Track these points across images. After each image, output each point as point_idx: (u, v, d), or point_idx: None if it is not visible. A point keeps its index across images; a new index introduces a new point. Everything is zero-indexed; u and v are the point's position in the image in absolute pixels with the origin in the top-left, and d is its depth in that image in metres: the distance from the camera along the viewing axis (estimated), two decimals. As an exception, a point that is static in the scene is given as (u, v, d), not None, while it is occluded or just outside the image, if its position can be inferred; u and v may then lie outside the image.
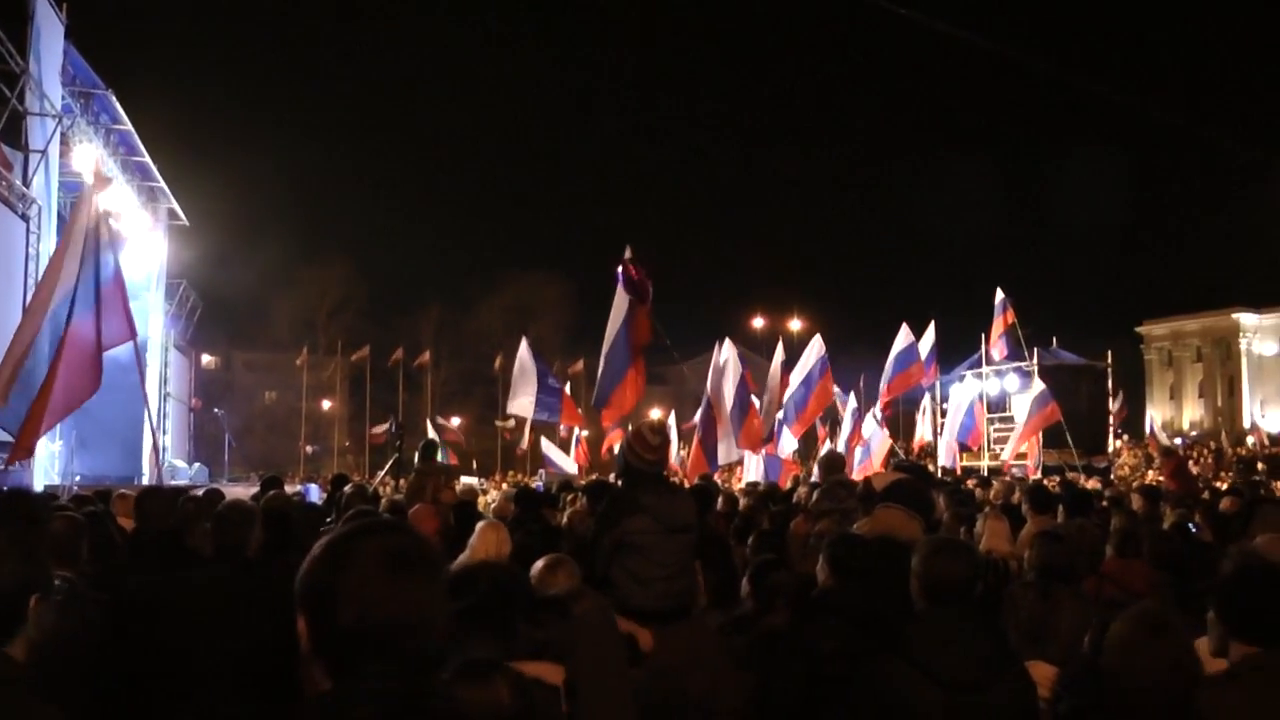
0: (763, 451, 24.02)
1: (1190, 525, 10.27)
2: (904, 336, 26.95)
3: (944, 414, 35.19)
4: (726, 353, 22.55)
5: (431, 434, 30.71)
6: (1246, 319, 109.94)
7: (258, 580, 5.94)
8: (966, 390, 36.18)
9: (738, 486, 22.09)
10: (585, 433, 37.28)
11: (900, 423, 36.87)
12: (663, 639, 6.22)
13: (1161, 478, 21.77)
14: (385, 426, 54.91)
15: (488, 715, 3.70)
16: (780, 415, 24.77)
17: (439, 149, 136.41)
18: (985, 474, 29.52)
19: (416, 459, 15.07)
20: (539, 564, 6.12)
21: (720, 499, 12.81)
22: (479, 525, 8.32)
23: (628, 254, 16.61)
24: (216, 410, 42.15)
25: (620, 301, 16.74)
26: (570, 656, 4.63)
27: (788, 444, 25.74)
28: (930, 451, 38.46)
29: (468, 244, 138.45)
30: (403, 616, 2.42)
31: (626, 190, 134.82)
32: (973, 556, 5.08)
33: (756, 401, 23.02)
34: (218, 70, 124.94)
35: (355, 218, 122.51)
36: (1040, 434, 28.84)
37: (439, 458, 16.64)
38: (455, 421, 55.08)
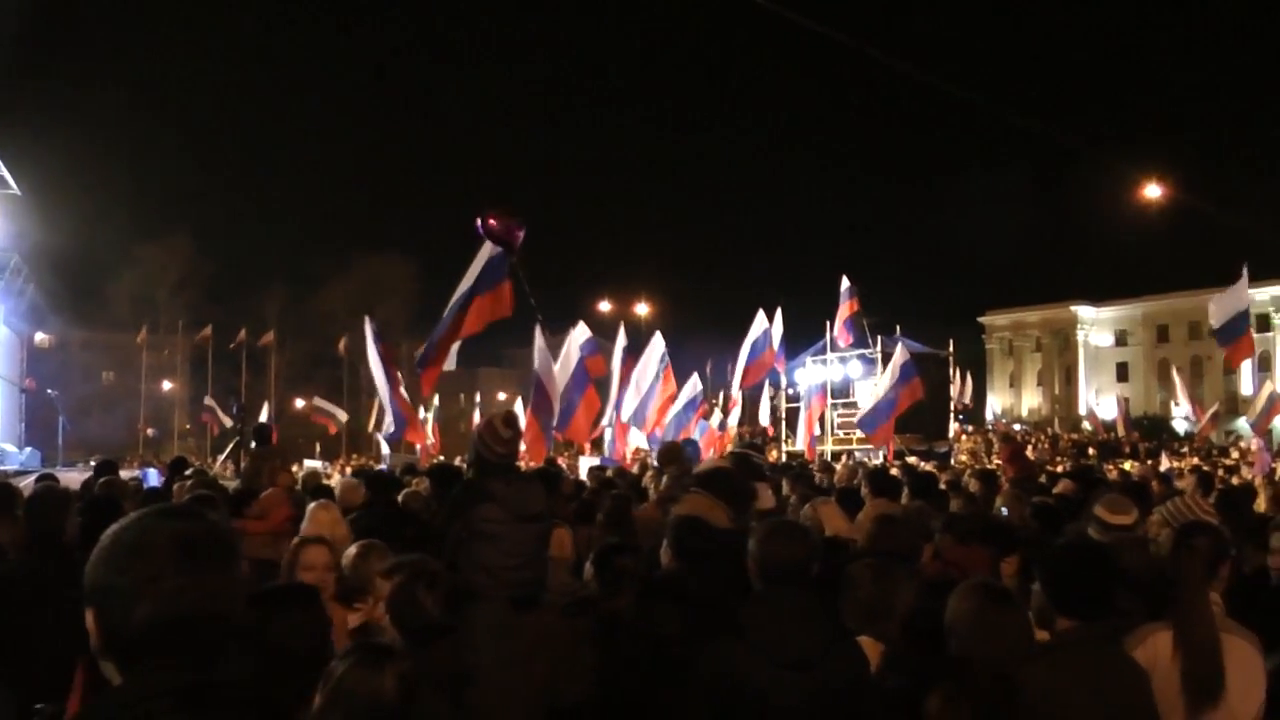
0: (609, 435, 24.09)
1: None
2: (758, 323, 27.03)
3: (790, 400, 35.47)
4: (578, 336, 22.52)
5: (263, 418, 30.17)
6: (1084, 312, 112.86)
7: (75, 569, 5.78)
8: (811, 376, 36.53)
9: (584, 464, 22.11)
10: (429, 416, 36.96)
11: (746, 408, 36.99)
12: (510, 627, 6.17)
13: (999, 462, 22.10)
14: (206, 407, 53.96)
15: (371, 702, 3.63)
16: (624, 411, 24.73)
17: (284, 127, 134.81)
18: (829, 458, 29.83)
19: (252, 443, 14.81)
20: (351, 550, 6.05)
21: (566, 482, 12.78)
22: (310, 506, 8.19)
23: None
24: (50, 391, 41.09)
25: (484, 252, 16.17)
26: (467, 650, 4.58)
27: (637, 440, 25.78)
28: (775, 437, 38.78)
29: (314, 223, 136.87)
30: (196, 607, 2.31)
31: (476, 171, 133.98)
32: (808, 538, 5.13)
33: (585, 391, 23.03)
34: (52, 39, 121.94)
35: (198, 194, 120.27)
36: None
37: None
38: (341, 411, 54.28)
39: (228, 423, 43.61)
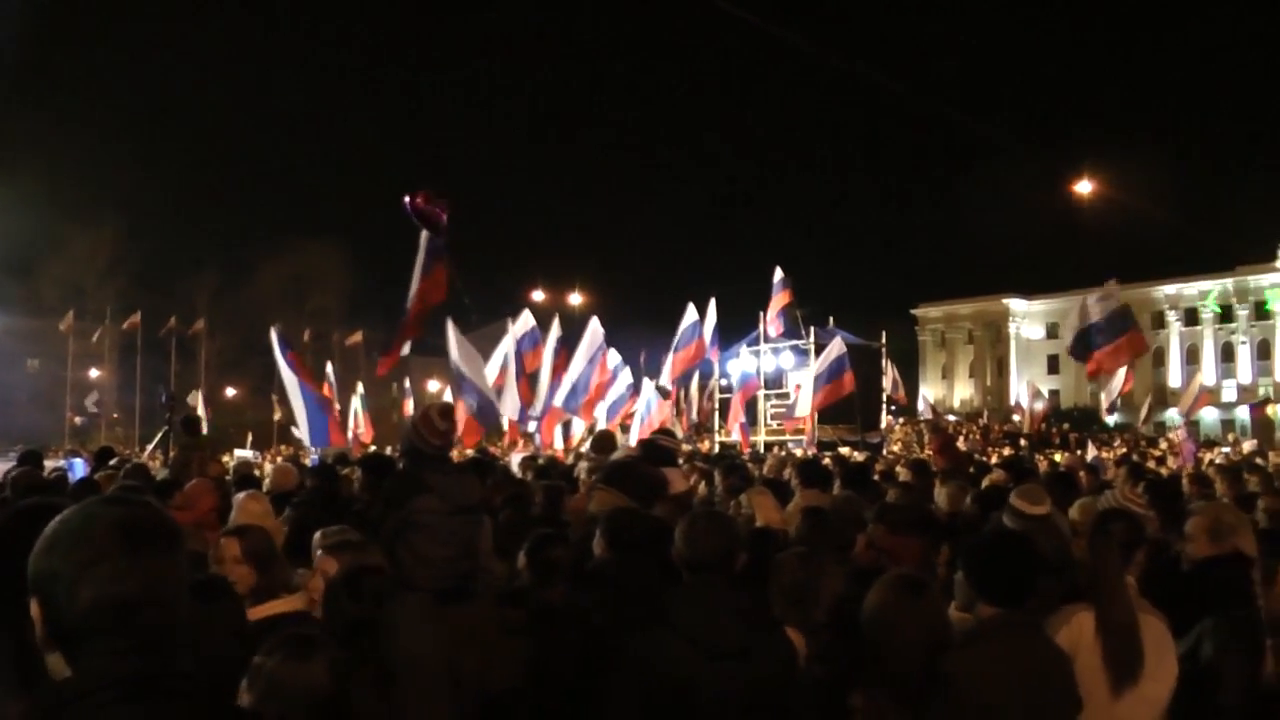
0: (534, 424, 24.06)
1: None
2: (689, 314, 27.04)
3: (723, 390, 35.52)
4: (520, 328, 22.52)
5: (195, 405, 29.78)
6: (1016, 304, 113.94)
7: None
8: (743, 365, 36.58)
9: (515, 458, 22.01)
10: (359, 405, 36.73)
11: (680, 398, 37.05)
12: (444, 617, 6.16)
13: (930, 452, 22.23)
14: (91, 398, 52.99)
15: (306, 692, 3.60)
16: (557, 398, 24.70)
17: (215, 113, 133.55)
18: (761, 449, 29.91)
19: (180, 433, 14.66)
20: (317, 536, 6.02)
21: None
22: (238, 497, 8.12)
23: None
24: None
25: (422, 238, 16.10)
26: (391, 644, 4.55)
27: (578, 428, 25.78)
28: (708, 427, 38.83)
29: (246, 210, 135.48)
30: (139, 591, 2.30)
31: (410, 159, 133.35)
32: (734, 528, 5.14)
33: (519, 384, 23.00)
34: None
35: (127, 178, 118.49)
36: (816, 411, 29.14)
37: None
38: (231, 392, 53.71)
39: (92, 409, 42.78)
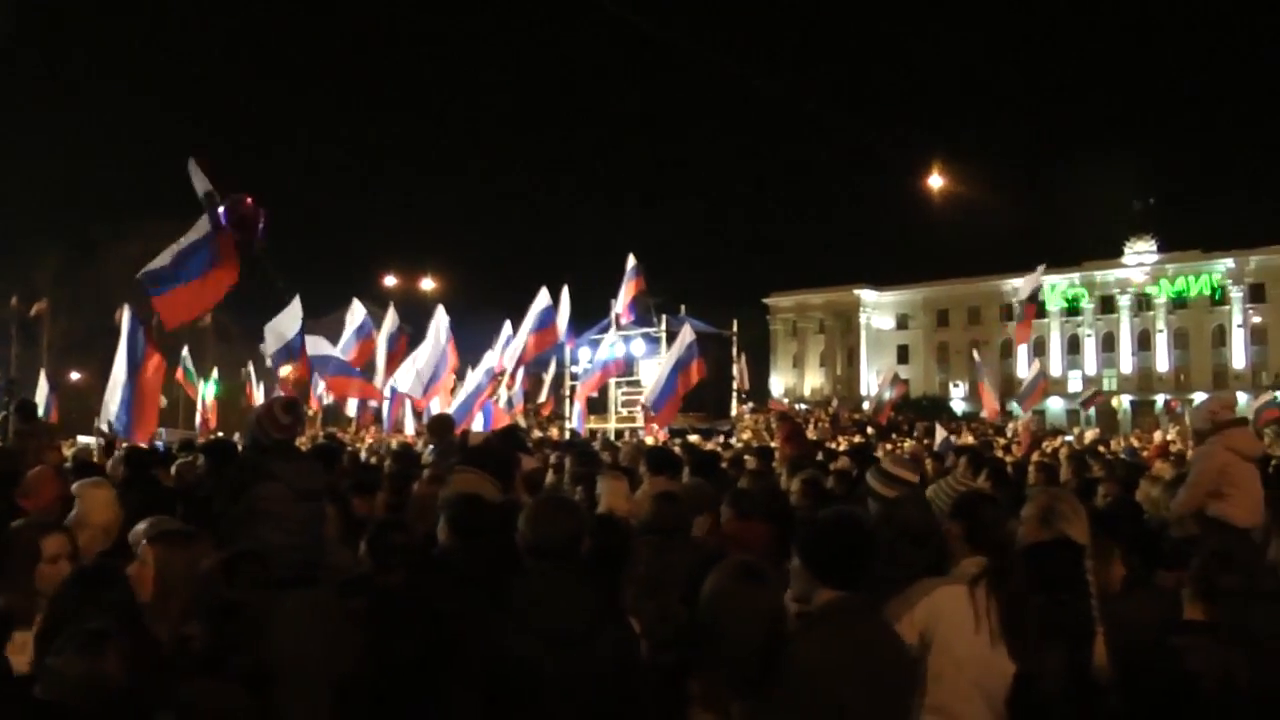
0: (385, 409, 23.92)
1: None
2: (541, 299, 26.95)
3: (574, 377, 35.47)
4: (353, 319, 22.35)
5: (40, 392, 28.91)
6: (867, 295, 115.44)
7: None
8: (594, 352, 36.55)
9: (365, 445, 21.85)
10: (214, 390, 36.20)
11: (533, 386, 36.97)
12: (294, 603, 6.07)
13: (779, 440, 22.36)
14: None
15: (90, 687, 3.51)
16: (401, 383, 24.56)
17: (60, 88, 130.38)
18: (612, 436, 29.90)
19: (13, 419, 14.26)
20: (141, 525, 5.89)
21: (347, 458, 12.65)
22: (82, 485, 7.92)
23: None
24: None
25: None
26: (270, 642, 4.49)
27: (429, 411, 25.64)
28: (559, 415, 38.76)
29: (91, 187, 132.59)
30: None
31: (261, 137, 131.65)
32: (578, 514, 5.13)
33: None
34: None
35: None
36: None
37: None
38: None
39: None
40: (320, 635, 5.58)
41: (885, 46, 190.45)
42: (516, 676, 4.48)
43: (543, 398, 39.10)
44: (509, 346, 27.65)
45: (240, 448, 9.70)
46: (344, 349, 23.29)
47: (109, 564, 5.46)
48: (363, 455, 17.56)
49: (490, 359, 26.13)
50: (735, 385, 41.74)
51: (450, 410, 21.81)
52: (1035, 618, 5.08)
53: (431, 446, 12.42)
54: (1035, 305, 23.92)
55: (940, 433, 21.06)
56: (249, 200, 14.91)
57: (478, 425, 23.11)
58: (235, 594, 4.61)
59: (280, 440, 7.36)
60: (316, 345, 21.64)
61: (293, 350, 21.37)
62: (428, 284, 60.24)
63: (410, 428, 28.94)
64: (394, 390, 24.75)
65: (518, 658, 4.49)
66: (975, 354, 35.71)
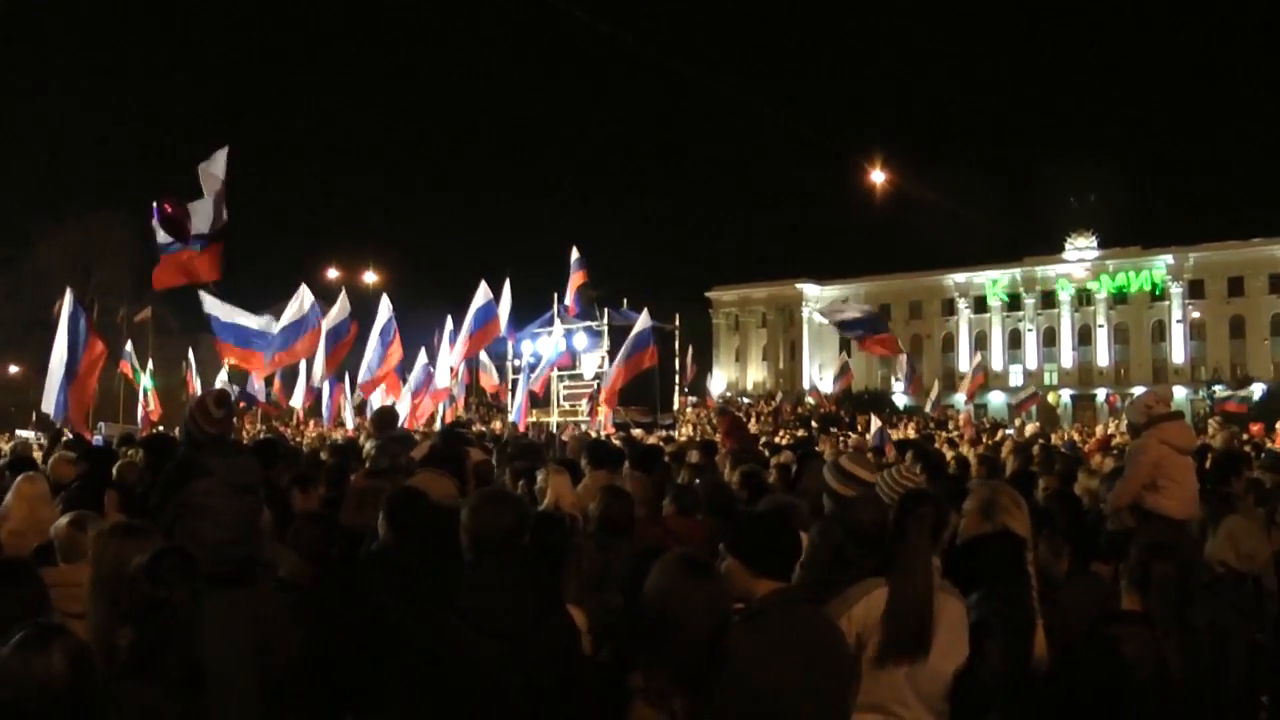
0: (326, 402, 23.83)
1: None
2: (482, 293, 26.88)
3: (516, 370, 35.40)
4: (304, 301, 22.23)
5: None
6: (809, 289, 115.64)
7: None
8: (538, 347, 36.52)
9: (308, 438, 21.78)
10: (154, 383, 35.90)
11: (476, 378, 36.85)
12: (224, 602, 6.04)
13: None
14: None
15: (39, 684, 3.47)
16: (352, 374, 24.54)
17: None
18: (555, 429, 29.89)
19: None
20: (62, 520, 5.85)
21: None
22: (16, 481, 7.85)
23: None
24: None
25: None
26: (200, 642, 4.45)
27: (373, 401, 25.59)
28: (502, 408, 38.69)
29: (27, 177, 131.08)
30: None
31: (200, 126, 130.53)
32: (519, 508, 5.12)
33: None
34: None
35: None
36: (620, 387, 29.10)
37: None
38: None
39: None
40: (251, 634, 5.56)
41: (828, 41, 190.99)
42: (455, 670, 4.47)
43: (494, 385, 38.90)
44: (452, 342, 27.59)
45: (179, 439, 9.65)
46: (286, 337, 23.11)
47: (20, 559, 5.40)
48: (305, 450, 17.49)
49: (429, 354, 26.10)
50: (678, 379, 41.84)
51: (391, 403, 21.81)
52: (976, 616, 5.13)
53: (372, 441, 12.39)
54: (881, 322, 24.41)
55: (875, 423, 21.10)
56: (171, 207, 14.77)
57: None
58: (162, 592, 4.55)
59: (213, 435, 7.30)
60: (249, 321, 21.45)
61: (241, 337, 21.20)
62: (370, 277, 60.04)
63: (351, 422, 28.86)
64: (333, 381, 24.67)
65: (456, 651, 4.47)
66: (845, 359, 35.68)
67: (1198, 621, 6.28)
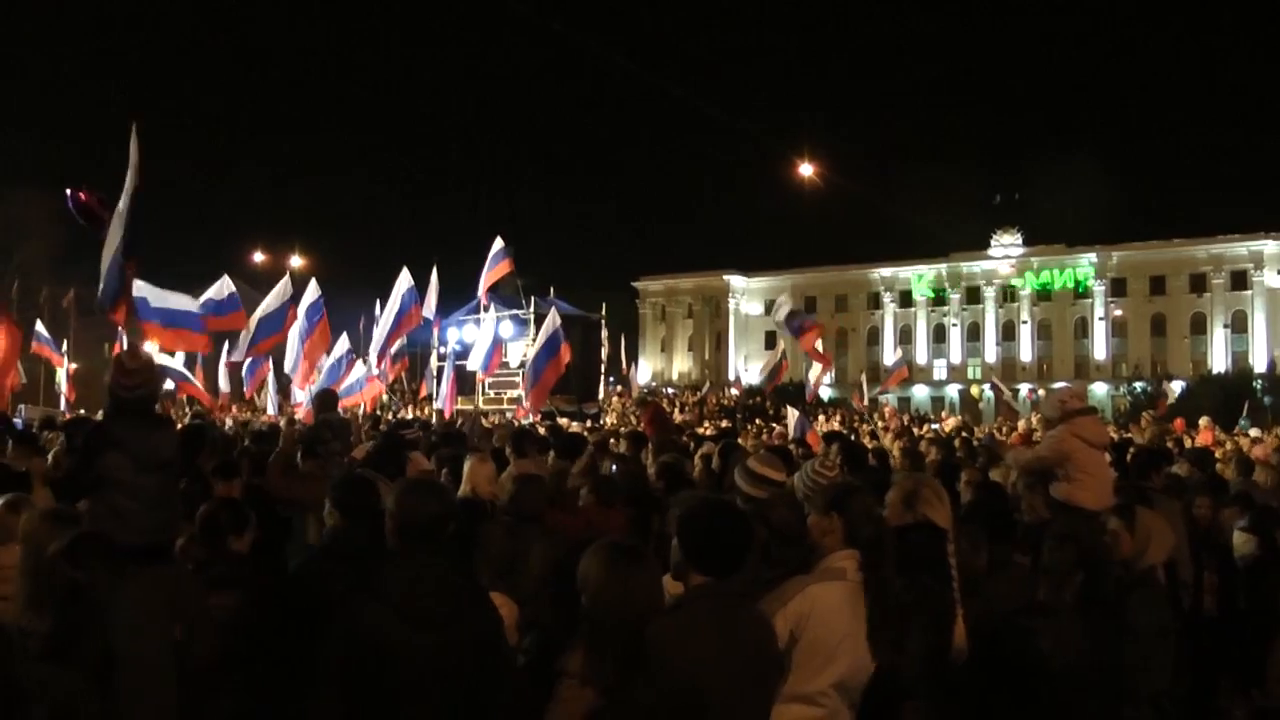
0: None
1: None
2: (403, 281, 26.74)
3: (442, 358, 35.24)
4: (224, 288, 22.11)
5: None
6: (736, 281, 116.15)
7: None
8: (467, 334, 36.40)
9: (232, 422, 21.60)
10: (74, 365, 35.49)
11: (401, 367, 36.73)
12: (144, 585, 5.97)
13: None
14: None
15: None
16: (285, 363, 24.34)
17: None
18: (480, 417, 29.80)
19: None
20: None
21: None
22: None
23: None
24: None
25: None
26: (117, 626, 4.39)
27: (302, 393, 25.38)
28: (427, 396, 38.54)
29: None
30: None
31: (128, 104, 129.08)
32: (444, 496, 5.10)
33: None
34: None
35: None
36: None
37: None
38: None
39: None
40: (170, 617, 5.51)
41: (759, 34, 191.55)
42: (378, 658, 4.45)
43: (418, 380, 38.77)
44: (376, 328, 27.46)
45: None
46: (211, 310, 22.83)
47: None
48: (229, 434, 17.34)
49: (351, 342, 25.94)
50: (603, 368, 41.84)
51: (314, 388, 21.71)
52: (898, 605, 5.15)
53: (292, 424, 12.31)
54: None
55: (793, 413, 21.08)
56: (86, 195, 14.52)
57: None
58: (80, 576, 4.51)
59: (133, 388, 7.21)
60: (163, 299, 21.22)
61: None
62: (296, 261, 59.55)
63: (272, 407, 28.61)
64: (258, 361, 24.49)
65: (380, 639, 4.46)
66: (818, 343, 36.30)
67: (1111, 611, 6.36)
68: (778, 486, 6.94)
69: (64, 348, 34.54)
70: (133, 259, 14.55)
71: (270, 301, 24.16)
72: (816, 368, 26.94)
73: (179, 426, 11.11)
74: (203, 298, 22.23)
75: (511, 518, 7.17)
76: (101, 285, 15.21)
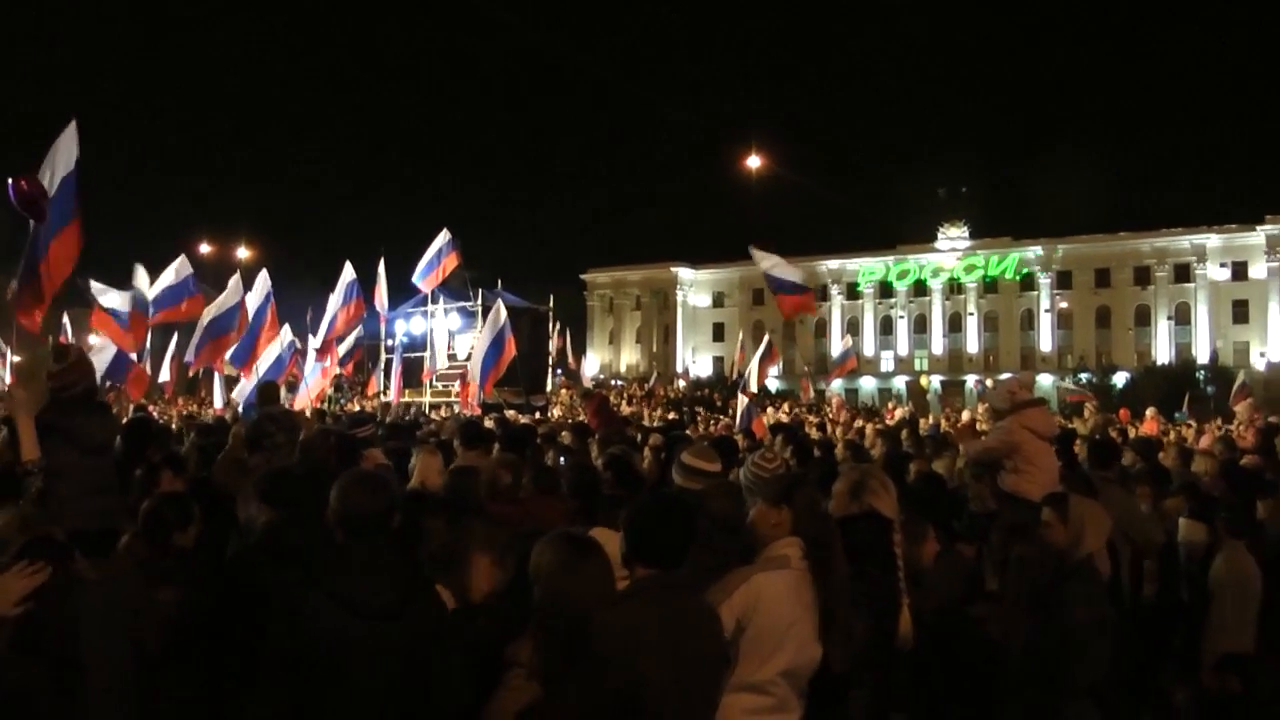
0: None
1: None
2: (347, 273, 26.62)
3: (389, 350, 35.11)
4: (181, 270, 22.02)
5: None
6: (684, 273, 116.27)
7: None
8: (415, 326, 36.33)
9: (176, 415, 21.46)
10: (17, 358, 35.08)
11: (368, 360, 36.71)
12: (102, 581, 5.96)
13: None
14: None
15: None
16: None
17: None
18: (427, 409, 29.75)
19: None
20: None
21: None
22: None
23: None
24: None
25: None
26: (74, 620, 4.39)
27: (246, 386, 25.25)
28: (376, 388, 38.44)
29: None
30: None
31: (67, 92, 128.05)
32: (388, 489, 5.07)
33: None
34: None
35: None
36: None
37: None
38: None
39: None
40: (124, 611, 5.48)
41: (707, 25, 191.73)
42: (325, 650, 4.44)
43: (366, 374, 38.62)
44: (321, 321, 27.31)
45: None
46: (166, 299, 22.63)
47: None
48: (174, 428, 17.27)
49: (289, 334, 25.78)
50: (551, 360, 41.82)
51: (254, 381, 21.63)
52: (844, 594, 5.19)
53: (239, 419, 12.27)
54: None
55: (743, 401, 21.06)
56: (27, 184, 14.33)
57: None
58: (40, 575, 4.51)
59: (60, 389, 7.25)
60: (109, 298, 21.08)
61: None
62: (243, 253, 59.16)
63: (219, 400, 28.43)
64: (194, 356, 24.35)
65: (327, 631, 4.44)
66: (767, 336, 36.43)
67: (1047, 602, 6.42)
68: (712, 477, 6.98)
69: (10, 339, 34.17)
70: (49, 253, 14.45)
71: (223, 300, 23.96)
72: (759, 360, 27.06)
73: (124, 420, 11.07)
74: (158, 284, 22.07)
75: (448, 510, 7.18)
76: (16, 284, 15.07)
